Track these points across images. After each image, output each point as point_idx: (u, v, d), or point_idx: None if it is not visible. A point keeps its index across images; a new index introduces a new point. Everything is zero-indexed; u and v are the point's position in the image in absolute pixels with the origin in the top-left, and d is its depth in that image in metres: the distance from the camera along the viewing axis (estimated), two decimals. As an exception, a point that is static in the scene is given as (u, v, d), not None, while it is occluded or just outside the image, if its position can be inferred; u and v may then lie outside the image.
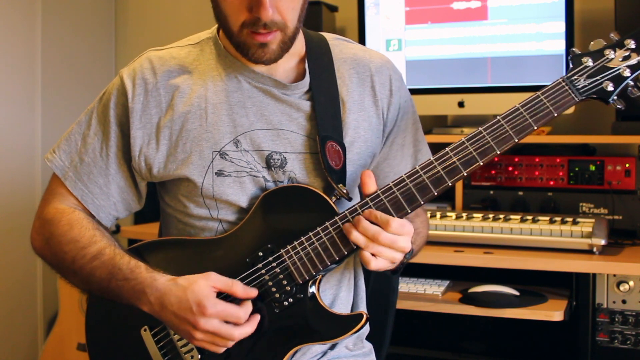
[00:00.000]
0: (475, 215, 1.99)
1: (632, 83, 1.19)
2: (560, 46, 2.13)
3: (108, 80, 1.42)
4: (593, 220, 1.87)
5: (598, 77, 1.19)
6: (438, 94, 2.29)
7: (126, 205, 1.34)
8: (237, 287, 1.16)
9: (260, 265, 1.21)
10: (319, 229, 1.19)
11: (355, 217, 1.17)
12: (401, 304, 1.78)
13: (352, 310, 1.36)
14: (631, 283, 1.74)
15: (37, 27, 2.79)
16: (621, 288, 1.75)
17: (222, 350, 1.17)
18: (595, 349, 1.77)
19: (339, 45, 1.35)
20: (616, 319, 1.75)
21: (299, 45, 1.29)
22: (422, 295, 1.88)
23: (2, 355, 2.68)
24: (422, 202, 1.18)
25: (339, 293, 1.32)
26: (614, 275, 1.75)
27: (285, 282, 1.20)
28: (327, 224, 1.19)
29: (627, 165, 2.06)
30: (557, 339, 2.05)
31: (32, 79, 2.79)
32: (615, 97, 1.19)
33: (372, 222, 1.15)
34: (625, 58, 1.19)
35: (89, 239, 1.24)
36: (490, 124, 1.19)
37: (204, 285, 1.14)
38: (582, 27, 2.30)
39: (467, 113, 2.26)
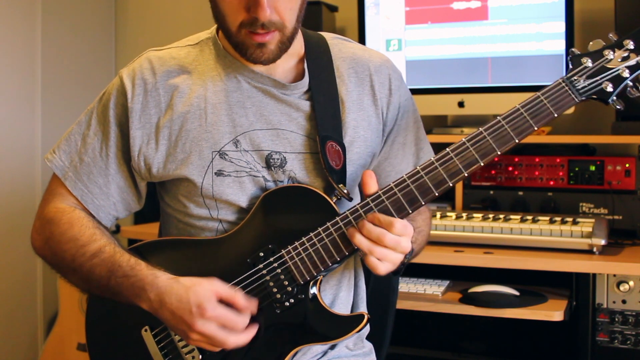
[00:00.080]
0: (475, 215, 1.99)
1: (631, 83, 1.20)
2: (560, 46, 2.13)
3: (108, 80, 1.42)
4: (593, 220, 1.87)
5: (597, 78, 1.19)
6: (438, 94, 2.29)
7: (126, 205, 1.34)
8: (239, 298, 1.15)
9: (261, 265, 1.21)
10: (320, 229, 1.19)
11: (359, 222, 1.17)
12: (401, 304, 1.78)
13: (352, 310, 1.36)
14: (631, 283, 1.74)
15: (37, 27, 2.79)
16: (621, 288, 1.75)
17: (217, 349, 1.17)
18: (595, 349, 1.77)
19: (338, 45, 1.35)
20: (616, 319, 1.75)
21: (298, 45, 1.29)
22: (422, 295, 1.88)
23: (2, 355, 2.68)
24: (423, 203, 1.18)
25: (339, 293, 1.32)
26: (614, 275, 1.75)
27: (287, 283, 1.20)
28: (328, 224, 1.19)
29: (627, 165, 2.06)
30: (557, 339, 2.05)
31: (32, 79, 2.79)
32: (615, 98, 1.20)
33: (375, 225, 1.15)
34: (624, 59, 1.19)
35: (88, 237, 1.23)
36: (490, 124, 1.19)
37: (207, 288, 1.13)
38: (582, 27, 2.30)
39: (467, 113, 2.26)
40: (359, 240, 1.15)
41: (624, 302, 1.75)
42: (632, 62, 1.19)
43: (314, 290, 1.20)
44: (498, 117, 1.19)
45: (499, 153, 1.18)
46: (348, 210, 1.19)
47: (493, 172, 2.20)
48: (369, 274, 1.46)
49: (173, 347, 1.24)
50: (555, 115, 1.18)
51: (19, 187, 2.74)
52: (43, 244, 1.29)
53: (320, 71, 1.28)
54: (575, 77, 1.19)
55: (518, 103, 1.19)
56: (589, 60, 1.20)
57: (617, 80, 1.19)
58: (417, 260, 1.36)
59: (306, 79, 1.27)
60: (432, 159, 1.18)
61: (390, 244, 1.14)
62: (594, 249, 1.79)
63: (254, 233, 1.23)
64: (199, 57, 1.29)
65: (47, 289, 2.83)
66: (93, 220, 1.28)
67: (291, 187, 1.24)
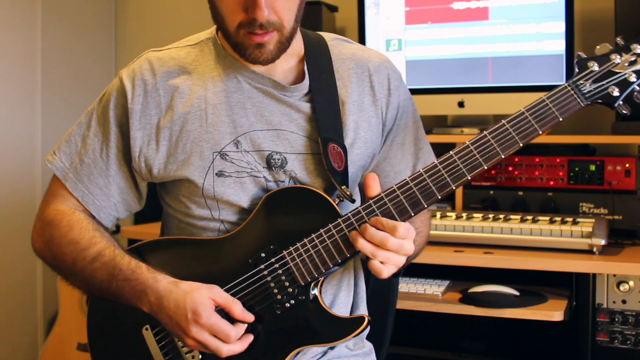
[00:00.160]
0: (475, 215, 1.99)
1: (637, 88, 1.18)
2: (560, 46, 2.13)
3: (108, 80, 1.42)
4: (593, 220, 1.87)
5: (604, 82, 1.18)
6: (438, 94, 2.29)
7: (126, 205, 1.33)
8: (236, 307, 1.15)
9: (262, 266, 1.21)
10: (321, 231, 1.19)
11: (362, 225, 1.16)
12: (401, 304, 1.78)
13: (352, 310, 1.36)
14: (631, 283, 1.74)
15: (37, 27, 2.79)
16: (621, 288, 1.75)
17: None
18: (595, 349, 1.77)
19: (338, 45, 1.34)
20: (616, 319, 1.75)
21: (297, 46, 1.29)
22: (422, 295, 1.88)
23: (2, 355, 2.68)
24: (426, 206, 1.17)
25: (338, 293, 1.32)
26: (614, 275, 1.75)
27: (287, 284, 1.20)
28: (330, 226, 1.19)
29: (627, 165, 2.06)
30: (557, 339, 2.05)
31: (32, 79, 2.79)
32: (621, 102, 1.19)
33: (378, 229, 1.15)
34: (632, 63, 1.18)
35: (88, 240, 1.23)
36: (495, 127, 1.18)
37: (205, 294, 1.13)
38: (582, 27, 2.30)
39: (467, 113, 2.26)
40: (362, 244, 1.15)
41: (624, 302, 1.75)
42: (639, 66, 1.18)
43: (314, 291, 1.20)
44: (503, 121, 1.18)
45: (502, 157, 1.17)
46: (350, 212, 1.19)
47: (493, 172, 2.20)
48: (369, 274, 1.46)
49: (173, 346, 1.24)
50: (561, 119, 1.17)
51: (19, 187, 2.74)
52: (43, 246, 1.29)
53: (320, 72, 1.28)
54: (581, 81, 1.18)
55: (522, 106, 1.18)
56: (596, 64, 1.19)
57: (623, 84, 1.18)
58: (417, 260, 1.36)
59: (306, 81, 1.27)
60: (436, 162, 1.18)
61: (393, 247, 1.14)
62: (594, 249, 1.79)
63: (256, 233, 1.23)
64: (199, 58, 1.29)
65: (47, 289, 2.83)
66: (93, 222, 1.28)
67: (293, 188, 1.24)
